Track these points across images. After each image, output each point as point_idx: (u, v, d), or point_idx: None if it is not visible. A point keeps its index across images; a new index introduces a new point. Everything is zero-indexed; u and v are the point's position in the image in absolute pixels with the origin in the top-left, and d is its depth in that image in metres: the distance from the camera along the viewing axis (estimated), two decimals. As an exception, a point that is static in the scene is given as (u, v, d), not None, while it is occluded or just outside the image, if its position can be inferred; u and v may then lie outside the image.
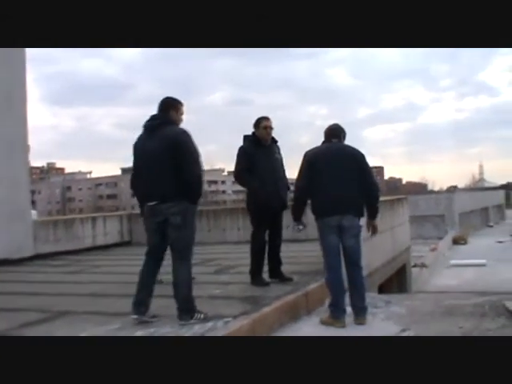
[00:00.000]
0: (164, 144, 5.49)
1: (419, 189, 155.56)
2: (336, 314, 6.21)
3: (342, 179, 6.23)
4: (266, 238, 7.68)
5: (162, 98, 5.80)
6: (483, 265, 21.71)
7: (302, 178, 6.43)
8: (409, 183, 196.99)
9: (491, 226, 47.85)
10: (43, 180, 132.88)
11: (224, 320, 5.53)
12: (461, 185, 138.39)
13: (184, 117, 5.87)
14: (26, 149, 13.31)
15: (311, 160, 6.38)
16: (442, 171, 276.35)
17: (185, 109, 5.87)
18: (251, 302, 6.38)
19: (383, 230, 11.11)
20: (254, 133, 7.72)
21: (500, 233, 38.76)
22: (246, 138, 7.79)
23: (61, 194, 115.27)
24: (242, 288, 7.41)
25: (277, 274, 7.76)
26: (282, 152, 7.97)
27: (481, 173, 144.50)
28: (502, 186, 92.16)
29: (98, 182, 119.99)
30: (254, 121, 7.72)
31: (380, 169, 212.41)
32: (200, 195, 5.71)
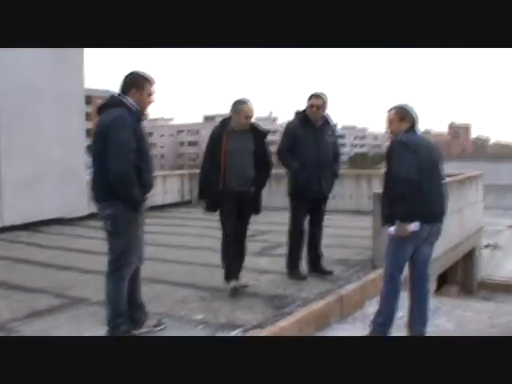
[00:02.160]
0: (96, 133, 4.72)
1: (508, 149, 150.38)
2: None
3: (438, 179, 5.29)
4: (307, 227, 7.03)
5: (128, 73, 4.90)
6: None
7: (408, 169, 4.99)
8: (497, 143, 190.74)
9: None
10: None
11: (235, 331, 5.00)
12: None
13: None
14: (81, 108, 13.09)
15: (415, 150, 5.12)
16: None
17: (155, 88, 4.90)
18: (276, 306, 5.81)
19: (448, 214, 10.29)
20: (305, 109, 6.98)
21: None
22: (296, 114, 7.09)
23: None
24: (275, 281, 6.86)
25: (316, 267, 7.12)
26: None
27: None
28: None
29: (180, 129, 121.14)
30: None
31: (467, 127, 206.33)
32: (129, 197, 4.64)
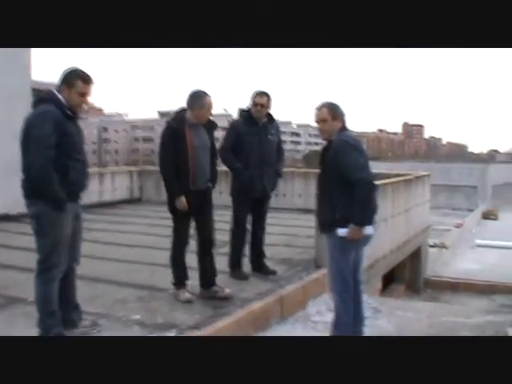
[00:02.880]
0: (22, 129, 4.57)
1: (459, 150, 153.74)
2: None
3: None
4: (249, 227, 6.97)
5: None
6: (511, 248, 20.66)
7: (366, 171, 4.94)
8: (449, 144, 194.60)
9: (527, 200, 46.52)
10: (82, 120, 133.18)
11: (171, 332, 4.90)
12: (503, 149, 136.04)
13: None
14: (27, 103, 12.74)
15: (360, 150, 5.09)
16: (483, 133, 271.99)
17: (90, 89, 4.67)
18: (215, 306, 5.72)
19: (394, 214, 10.38)
20: (249, 108, 6.91)
21: (535, 208, 37.55)
22: (240, 112, 7.01)
23: (97, 135, 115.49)
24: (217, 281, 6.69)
25: (259, 267, 7.07)
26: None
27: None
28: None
29: (135, 125, 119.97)
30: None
31: (420, 127, 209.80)
32: (48, 195, 4.45)
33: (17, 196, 11.72)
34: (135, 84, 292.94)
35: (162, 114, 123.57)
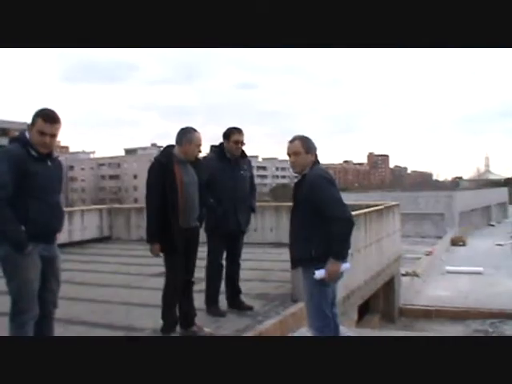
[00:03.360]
0: None
1: (424, 178, 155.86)
2: None
3: None
4: (223, 263, 6.91)
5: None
6: (480, 273, 20.93)
7: (344, 208, 4.84)
8: (414, 172, 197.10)
9: (493, 225, 47.26)
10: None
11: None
12: (466, 176, 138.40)
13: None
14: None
15: (334, 184, 4.99)
16: (447, 161, 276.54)
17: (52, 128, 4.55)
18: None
19: (367, 245, 10.42)
20: (221, 144, 6.87)
21: (501, 233, 38.22)
22: (212, 148, 6.98)
23: (64, 174, 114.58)
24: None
25: (235, 303, 6.99)
26: (251, 168, 7.20)
27: (486, 165, 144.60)
28: (507, 180, 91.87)
29: (101, 162, 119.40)
30: (224, 131, 6.85)
31: (385, 157, 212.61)
32: (6, 237, 4.36)
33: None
34: (102, 122, 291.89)
35: (128, 151, 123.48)
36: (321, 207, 4.78)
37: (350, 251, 5.19)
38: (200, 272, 6.81)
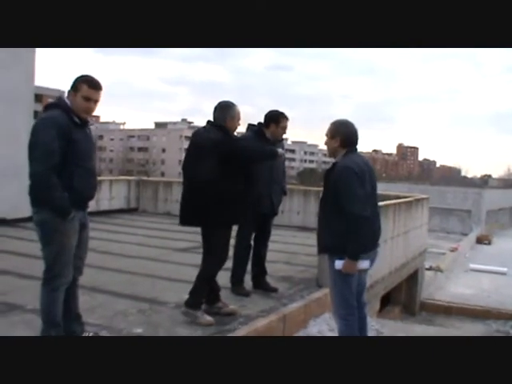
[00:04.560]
0: (30, 136, 4.47)
1: (452, 173, 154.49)
2: None
3: (376, 208, 5.09)
4: (252, 243, 6.89)
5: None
6: (504, 273, 20.70)
7: (364, 205, 4.74)
8: (442, 167, 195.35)
9: (520, 227, 46.68)
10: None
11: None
12: (495, 174, 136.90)
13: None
14: (29, 107, 12.67)
15: (362, 178, 4.82)
16: (477, 158, 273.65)
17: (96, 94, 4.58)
18: (218, 322, 5.59)
19: (394, 236, 10.33)
20: (260, 125, 6.77)
21: (528, 235, 37.69)
22: (251, 128, 6.82)
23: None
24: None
25: (260, 284, 6.98)
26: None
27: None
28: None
29: (131, 134, 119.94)
30: (269, 113, 6.78)
31: (414, 149, 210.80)
32: (48, 202, 4.36)
33: (15, 201, 11.72)
34: (134, 94, 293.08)
35: (158, 125, 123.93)
36: (340, 200, 4.74)
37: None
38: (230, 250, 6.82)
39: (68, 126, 4.43)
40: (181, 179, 6.06)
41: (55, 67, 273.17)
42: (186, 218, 5.63)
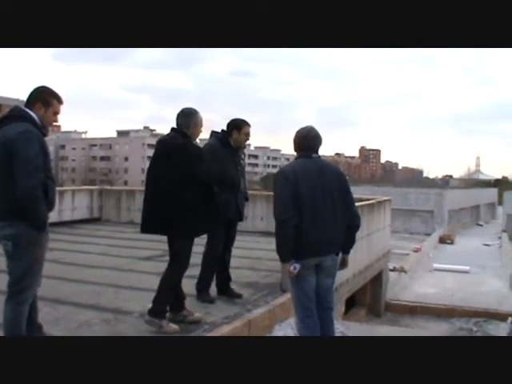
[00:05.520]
0: (1, 147, 4.38)
1: (414, 175, 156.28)
2: None
3: (329, 212, 4.90)
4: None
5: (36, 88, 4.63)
6: (466, 272, 21.05)
7: (285, 208, 4.75)
8: (405, 168, 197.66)
9: (481, 225, 47.48)
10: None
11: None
12: (456, 175, 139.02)
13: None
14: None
15: (294, 182, 4.81)
16: (438, 159, 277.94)
17: (62, 108, 4.63)
18: (183, 330, 5.56)
19: (357, 238, 10.41)
20: (224, 132, 6.77)
21: (489, 233, 38.40)
22: (215, 135, 6.82)
23: (54, 152, 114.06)
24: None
25: (225, 290, 6.98)
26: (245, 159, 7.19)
27: (477, 165, 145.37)
28: (497, 181, 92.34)
29: (93, 143, 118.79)
30: (231, 121, 6.76)
31: (377, 152, 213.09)
32: (36, 217, 4.33)
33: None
34: (94, 103, 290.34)
35: (120, 133, 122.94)
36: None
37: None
38: (193, 257, 6.81)
39: (42, 139, 4.45)
40: (143, 187, 6.00)
41: (12, 76, 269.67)
42: (149, 227, 5.61)
